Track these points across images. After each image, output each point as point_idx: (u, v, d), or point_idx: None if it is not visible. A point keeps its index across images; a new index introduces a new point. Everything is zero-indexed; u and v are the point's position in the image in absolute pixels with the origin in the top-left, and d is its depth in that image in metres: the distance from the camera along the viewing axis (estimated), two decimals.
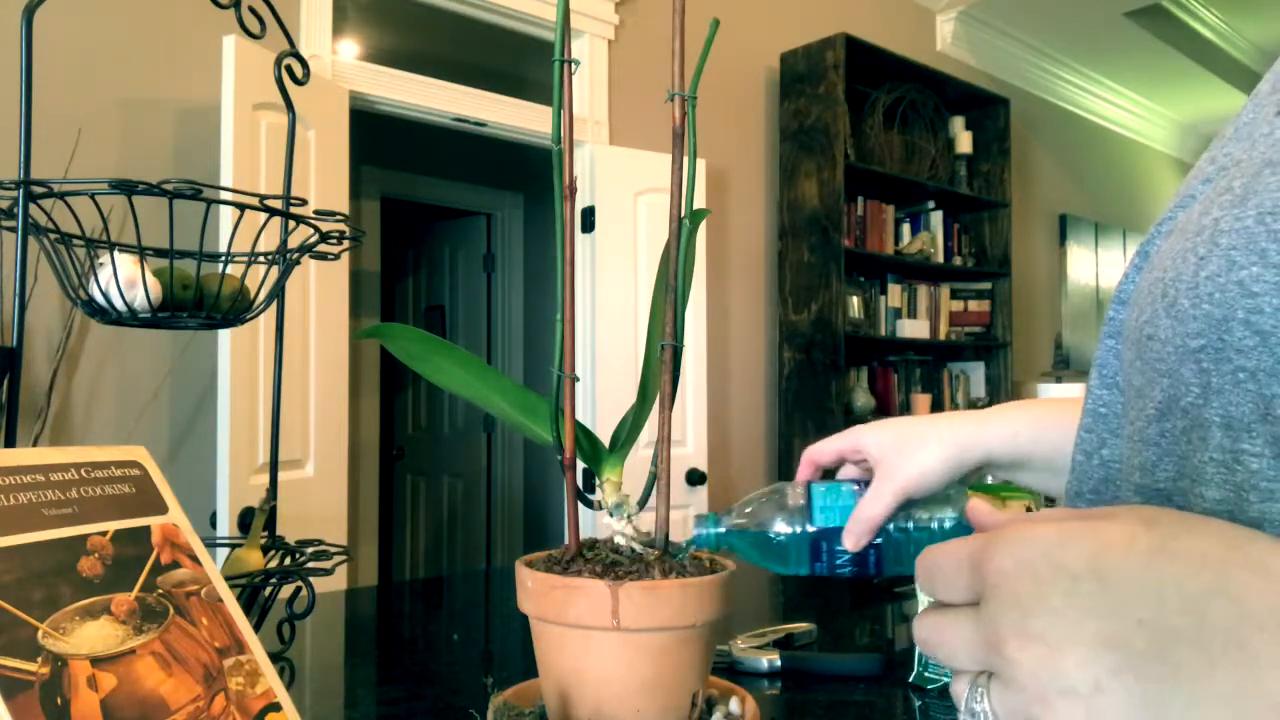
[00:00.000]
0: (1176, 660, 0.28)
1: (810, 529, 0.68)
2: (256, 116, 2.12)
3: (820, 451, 0.76)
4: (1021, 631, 0.30)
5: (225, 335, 2.05)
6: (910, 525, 0.68)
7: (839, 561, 0.68)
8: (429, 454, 4.72)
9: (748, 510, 0.69)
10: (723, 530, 0.69)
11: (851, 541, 0.67)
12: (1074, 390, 3.39)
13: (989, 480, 1.13)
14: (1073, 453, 0.47)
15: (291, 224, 1.07)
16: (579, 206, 2.92)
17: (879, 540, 0.67)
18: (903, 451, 0.68)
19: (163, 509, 0.60)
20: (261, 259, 1.05)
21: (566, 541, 0.70)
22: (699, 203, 3.01)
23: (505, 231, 4.52)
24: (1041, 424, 0.67)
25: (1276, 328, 0.33)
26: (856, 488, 0.69)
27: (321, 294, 2.34)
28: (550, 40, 2.83)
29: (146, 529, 0.58)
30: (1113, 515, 0.31)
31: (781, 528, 0.68)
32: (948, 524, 0.68)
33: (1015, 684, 0.30)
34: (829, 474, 0.77)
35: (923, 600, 0.94)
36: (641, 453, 0.67)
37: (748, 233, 3.52)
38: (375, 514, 4.00)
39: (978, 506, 0.39)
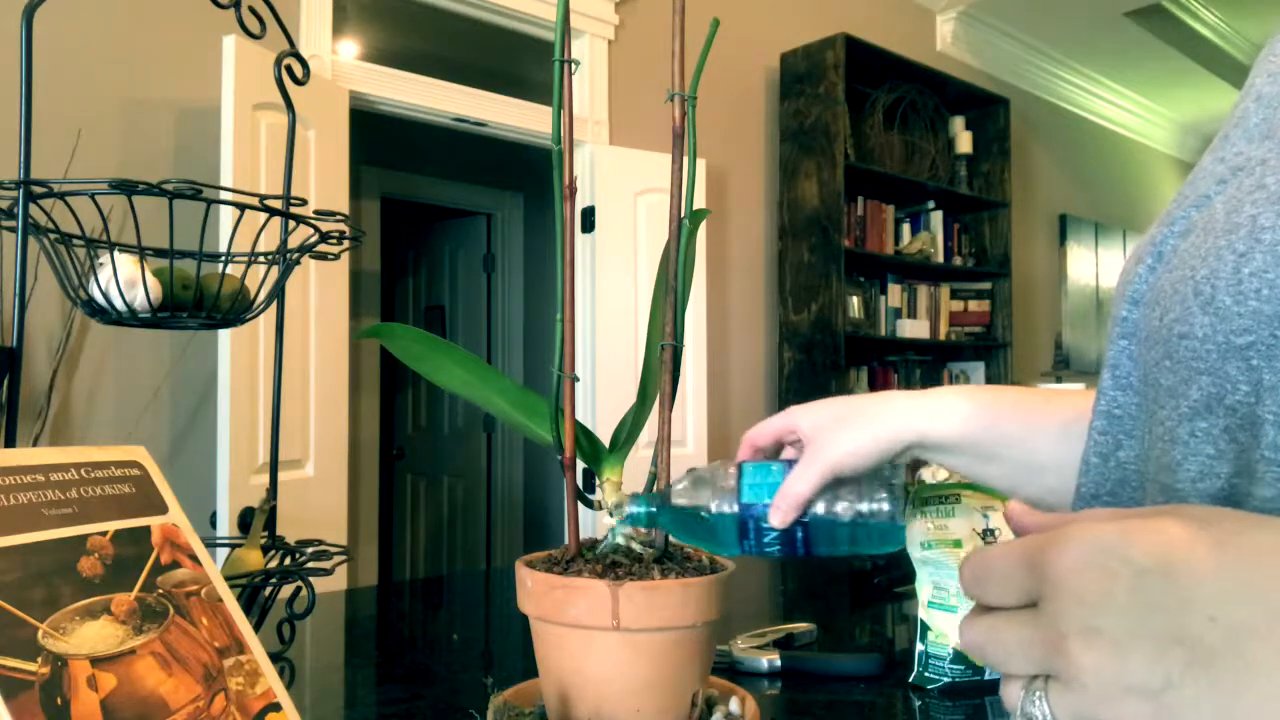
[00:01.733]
0: (1251, 655, 0.27)
1: (738, 507, 0.66)
2: (256, 116, 2.12)
3: (759, 433, 0.73)
4: (1085, 629, 0.29)
5: (225, 335, 2.05)
6: (840, 506, 0.65)
7: (766, 540, 0.66)
8: (429, 454, 4.72)
9: (679, 488, 0.67)
10: (653, 509, 0.67)
11: (777, 518, 0.64)
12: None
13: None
14: (1085, 455, 0.46)
15: (291, 224, 1.07)
16: (579, 206, 2.92)
17: (807, 519, 0.65)
18: (834, 429, 0.66)
19: (163, 509, 0.60)
20: (261, 259, 1.05)
21: (566, 541, 0.70)
22: (699, 203, 3.00)
23: (505, 231, 4.52)
24: (975, 409, 0.65)
25: None
26: (787, 467, 0.67)
27: (321, 294, 2.34)
28: (550, 40, 2.83)
29: (146, 529, 0.58)
30: (1166, 513, 0.30)
31: (711, 505, 0.66)
32: (883, 514, 0.65)
33: (1077, 684, 0.29)
34: (771, 457, 0.74)
35: (923, 600, 0.95)
36: (641, 453, 0.67)
37: (748, 233, 3.52)
38: (375, 514, 4.00)
39: (1017, 509, 0.37)
